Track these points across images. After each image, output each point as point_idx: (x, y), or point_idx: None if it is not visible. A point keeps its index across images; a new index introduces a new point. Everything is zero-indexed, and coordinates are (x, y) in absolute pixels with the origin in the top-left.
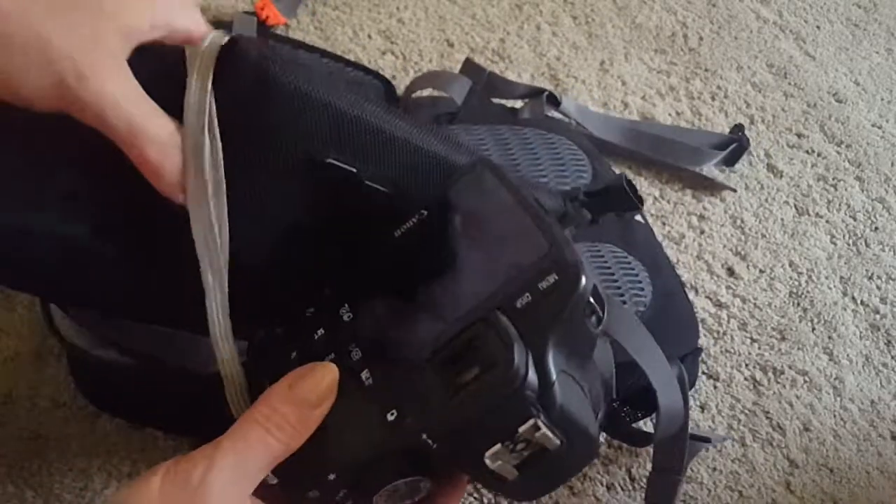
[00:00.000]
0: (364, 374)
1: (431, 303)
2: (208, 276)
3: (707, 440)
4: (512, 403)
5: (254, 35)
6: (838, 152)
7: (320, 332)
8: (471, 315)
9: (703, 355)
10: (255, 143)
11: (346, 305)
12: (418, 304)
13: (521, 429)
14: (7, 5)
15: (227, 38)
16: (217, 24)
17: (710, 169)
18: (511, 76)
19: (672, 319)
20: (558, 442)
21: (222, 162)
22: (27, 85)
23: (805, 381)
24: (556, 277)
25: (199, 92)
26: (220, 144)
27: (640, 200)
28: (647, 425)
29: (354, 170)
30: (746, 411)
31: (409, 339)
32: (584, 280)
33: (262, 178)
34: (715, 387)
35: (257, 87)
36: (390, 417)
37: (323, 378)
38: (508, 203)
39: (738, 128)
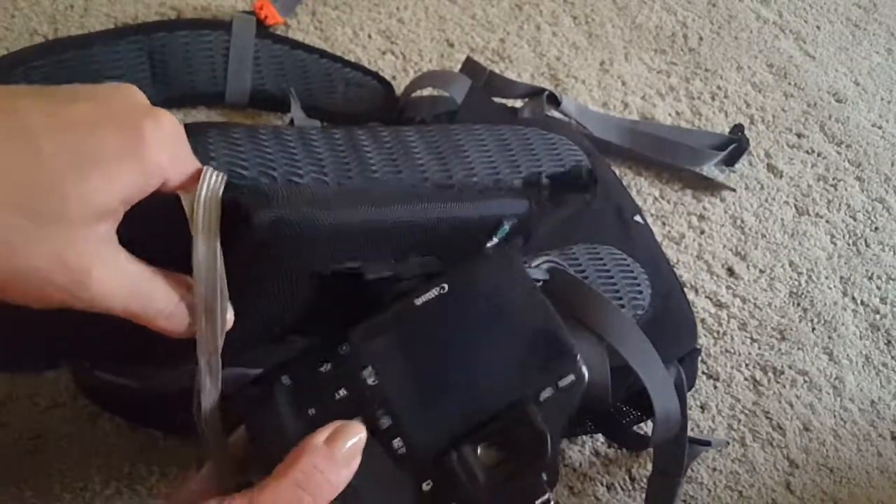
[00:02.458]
0: (396, 443)
1: (458, 380)
2: (206, 380)
3: (707, 444)
4: (536, 483)
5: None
6: (838, 152)
7: (342, 392)
8: (501, 402)
9: (703, 355)
10: (264, 280)
11: (369, 368)
12: (444, 380)
13: (537, 502)
14: None
15: (222, 184)
16: (216, 23)
17: (710, 169)
18: (511, 76)
19: (670, 321)
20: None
21: (229, 304)
22: (31, 303)
23: (805, 381)
24: (574, 378)
25: (209, 253)
26: (227, 293)
27: (595, 182)
28: (647, 426)
29: (357, 266)
30: (746, 411)
31: (441, 414)
32: (587, 379)
33: (270, 299)
34: (715, 387)
35: (265, 246)
36: (426, 487)
37: (355, 437)
38: (529, 299)
39: (737, 128)
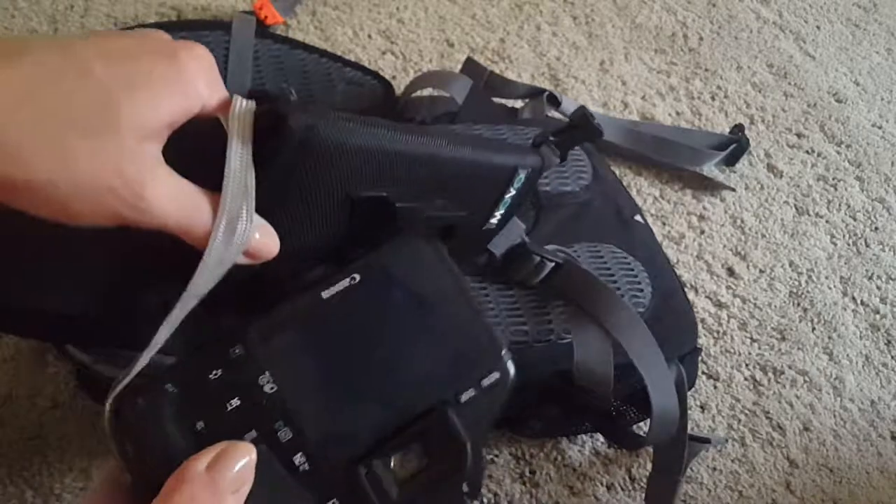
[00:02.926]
0: (298, 458)
1: (370, 384)
2: (181, 311)
3: (707, 441)
4: (455, 496)
5: (251, 35)
6: (838, 152)
7: (235, 401)
8: (418, 406)
9: (703, 355)
10: (298, 195)
11: (267, 373)
12: (354, 384)
13: None
14: (36, 156)
15: (254, 103)
16: (216, 23)
17: (710, 169)
18: (511, 76)
19: (671, 320)
20: None
21: (265, 226)
22: (86, 219)
23: (805, 381)
24: (498, 376)
25: (240, 161)
26: (253, 207)
27: (600, 131)
28: (647, 426)
29: (385, 195)
30: (746, 411)
31: (350, 423)
32: (513, 376)
33: (304, 217)
34: (715, 387)
35: (302, 154)
36: None
37: (243, 460)
38: (450, 289)
39: (738, 128)
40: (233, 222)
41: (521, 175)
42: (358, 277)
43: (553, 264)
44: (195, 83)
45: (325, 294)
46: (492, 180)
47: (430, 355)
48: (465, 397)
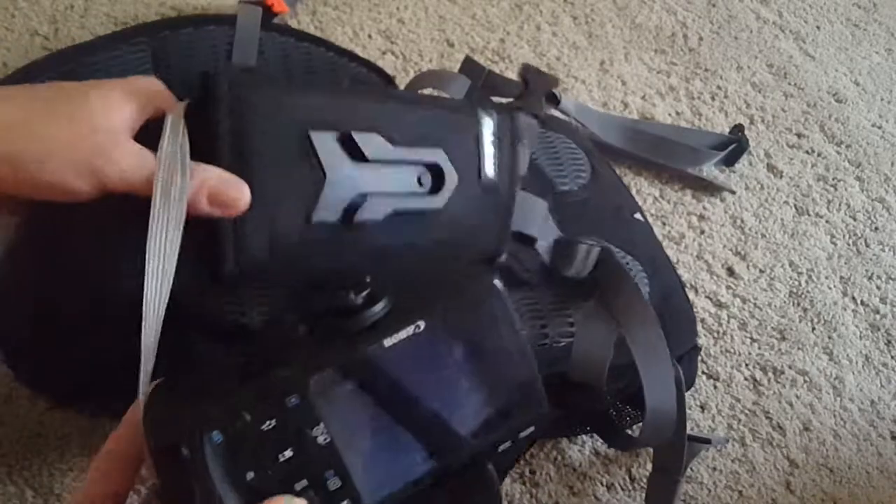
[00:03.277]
0: None
1: (420, 435)
2: (154, 284)
3: (707, 441)
4: None
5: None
6: (838, 152)
7: (288, 453)
8: (461, 457)
9: (703, 355)
10: (255, 146)
11: (322, 424)
12: (405, 434)
13: None
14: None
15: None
16: (221, 18)
17: (709, 169)
18: (511, 76)
19: (670, 318)
20: None
21: (186, 190)
22: (79, 187)
23: (805, 381)
24: (533, 429)
25: (172, 124)
26: (188, 176)
27: (555, 78)
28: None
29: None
30: (746, 411)
31: (397, 472)
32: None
33: (266, 168)
34: (715, 387)
35: (239, 101)
36: None
37: None
38: (508, 341)
39: (737, 128)
40: (172, 163)
41: (487, 118)
42: (423, 325)
43: (599, 249)
44: (147, 92)
45: (388, 342)
46: (454, 120)
47: (481, 409)
48: (502, 448)
